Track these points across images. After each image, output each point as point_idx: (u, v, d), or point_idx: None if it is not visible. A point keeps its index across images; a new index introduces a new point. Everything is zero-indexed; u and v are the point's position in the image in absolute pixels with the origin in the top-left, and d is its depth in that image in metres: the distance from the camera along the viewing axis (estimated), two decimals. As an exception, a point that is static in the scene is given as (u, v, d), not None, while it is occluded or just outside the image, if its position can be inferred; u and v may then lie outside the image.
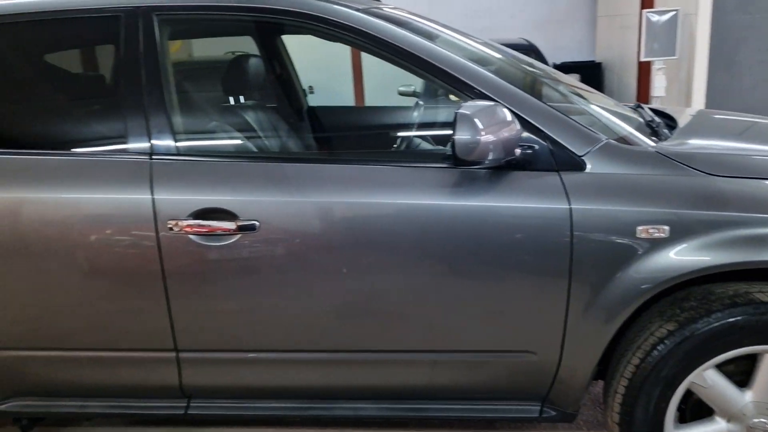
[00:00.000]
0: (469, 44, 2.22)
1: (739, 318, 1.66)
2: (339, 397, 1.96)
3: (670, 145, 1.86)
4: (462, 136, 1.54)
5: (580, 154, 1.72)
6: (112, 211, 1.80)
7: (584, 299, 1.71)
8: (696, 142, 1.99)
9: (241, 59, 2.59)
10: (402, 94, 4.84)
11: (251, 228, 1.75)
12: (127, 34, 1.88)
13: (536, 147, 1.72)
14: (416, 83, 4.22)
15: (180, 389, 1.97)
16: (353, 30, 1.81)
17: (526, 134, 1.72)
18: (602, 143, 1.74)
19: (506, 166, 1.71)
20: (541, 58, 5.97)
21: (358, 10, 1.87)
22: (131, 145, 1.85)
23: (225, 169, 1.81)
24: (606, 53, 7.14)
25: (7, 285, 1.86)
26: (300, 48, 3.23)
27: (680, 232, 1.65)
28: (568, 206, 1.68)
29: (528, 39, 6.27)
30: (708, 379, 1.73)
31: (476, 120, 1.54)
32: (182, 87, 2.04)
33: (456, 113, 1.55)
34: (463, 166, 1.62)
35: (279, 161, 1.86)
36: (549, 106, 1.77)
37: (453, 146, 1.56)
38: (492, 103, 1.63)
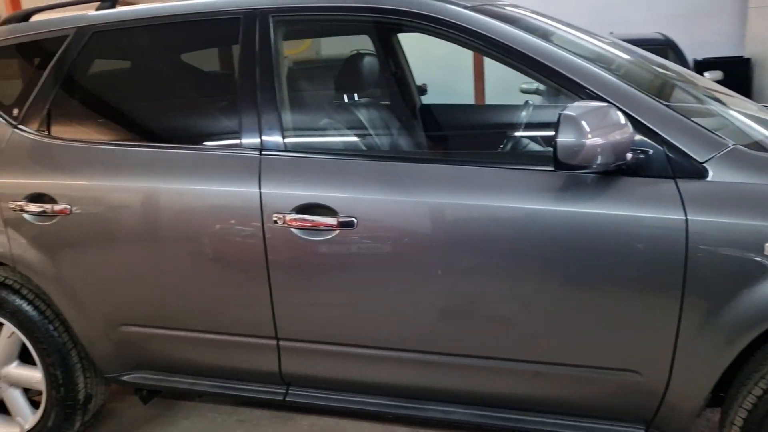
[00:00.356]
0: (589, 42, 2.11)
1: None
2: (430, 398, 1.94)
3: (815, 153, 1.65)
4: (565, 138, 1.46)
5: (701, 160, 1.57)
6: (226, 202, 1.91)
7: (699, 318, 1.57)
8: None
9: (355, 58, 2.64)
10: (524, 91, 4.69)
11: (349, 225, 1.77)
12: (245, 35, 1.97)
13: (651, 151, 1.59)
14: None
15: (280, 376, 2.05)
16: (460, 28, 1.78)
17: (639, 137, 1.60)
18: (728, 149, 1.58)
19: (617, 171, 1.60)
20: (679, 53, 5.56)
21: (467, 8, 1.83)
22: (245, 141, 1.94)
23: (328, 165, 1.85)
24: (757, 48, 6.50)
25: (135, 266, 2.03)
26: (422, 45, 3.22)
27: None
28: (683, 217, 1.54)
29: (665, 33, 5.86)
30: None
31: (582, 122, 1.45)
32: (295, 85, 2.10)
33: (560, 114, 1.47)
34: (566, 169, 1.53)
35: (379, 159, 1.86)
36: (669, 107, 1.64)
37: (555, 149, 1.49)
38: (602, 103, 1.53)
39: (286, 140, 1.92)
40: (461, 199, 1.71)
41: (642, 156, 1.59)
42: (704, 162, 1.57)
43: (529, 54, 1.71)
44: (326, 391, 2.04)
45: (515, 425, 1.85)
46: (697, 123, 1.62)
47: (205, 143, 2.03)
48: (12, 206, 2.11)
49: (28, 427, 2.35)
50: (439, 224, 1.73)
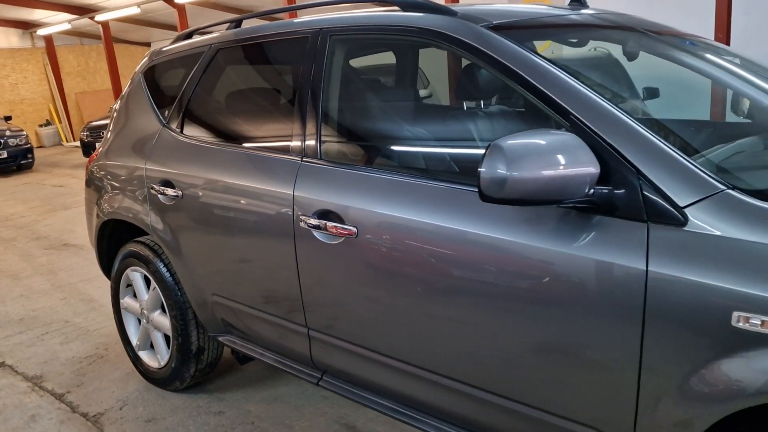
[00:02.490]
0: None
1: None
2: (422, 410, 1.96)
3: None
4: (488, 169, 1.37)
5: (681, 204, 1.33)
6: (273, 202, 2.15)
7: (658, 390, 1.34)
8: None
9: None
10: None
11: (352, 233, 1.89)
12: (307, 51, 2.19)
13: (623, 189, 1.39)
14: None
15: (311, 362, 2.25)
16: (467, 45, 1.76)
17: (618, 170, 1.41)
18: (718, 193, 1.31)
19: (588, 209, 1.44)
20: None
21: (488, 27, 1.79)
22: (294, 147, 2.17)
23: (348, 176, 1.97)
24: None
25: (215, 245, 2.42)
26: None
27: None
28: (644, 268, 1.33)
29: None
30: None
31: (509, 154, 1.34)
32: (347, 97, 2.24)
33: (490, 144, 1.38)
34: (494, 202, 1.41)
35: (392, 173, 1.89)
36: (660, 139, 1.41)
37: (478, 179, 1.40)
38: (554, 132, 1.39)
39: (323, 149, 2.09)
40: (435, 219, 1.71)
41: (606, 192, 1.40)
42: (685, 207, 1.32)
43: (520, 72, 1.62)
44: (349, 384, 2.19)
45: None
46: (687, 159, 1.36)
47: (270, 147, 2.29)
48: (152, 188, 2.68)
49: (162, 363, 2.96)
50: (419, 243, 1.75)
